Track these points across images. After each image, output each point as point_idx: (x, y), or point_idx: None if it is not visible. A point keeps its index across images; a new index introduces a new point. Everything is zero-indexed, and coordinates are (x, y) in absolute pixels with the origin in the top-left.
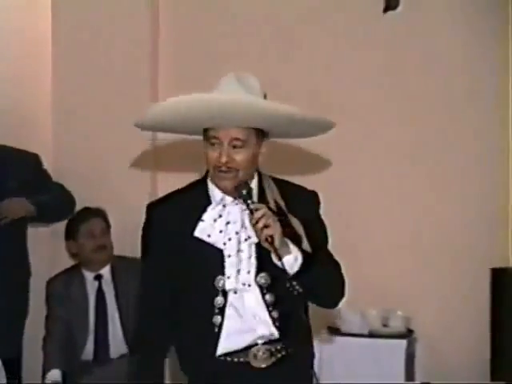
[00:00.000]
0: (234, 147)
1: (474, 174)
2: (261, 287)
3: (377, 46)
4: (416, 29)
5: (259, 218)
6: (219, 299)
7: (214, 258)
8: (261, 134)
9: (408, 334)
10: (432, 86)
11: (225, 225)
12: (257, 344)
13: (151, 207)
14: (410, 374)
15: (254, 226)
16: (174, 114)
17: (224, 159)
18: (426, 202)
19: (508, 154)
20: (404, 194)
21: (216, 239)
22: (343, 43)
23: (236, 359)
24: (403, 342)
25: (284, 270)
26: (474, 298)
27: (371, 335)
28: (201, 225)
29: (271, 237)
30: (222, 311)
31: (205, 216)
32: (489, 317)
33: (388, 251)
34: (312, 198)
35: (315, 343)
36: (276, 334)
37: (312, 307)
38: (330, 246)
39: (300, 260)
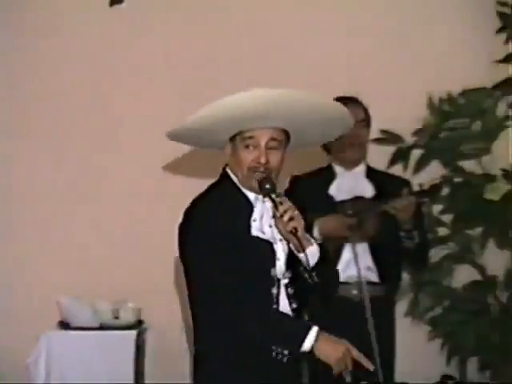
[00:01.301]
0: (269, 148)
1: None
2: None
3: None
4: None
5: (286, 211)
6: (275, 289)
7: (267, 251)
8: (287, 136)
9: (138, 325)
10: None
11: (271, 219)
12: None
13: (198, 213)
14: (138, 361)
15: (279, 218)
16: (215, 114)
17: (263, 160)
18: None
19: None
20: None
21: (269, 235)
22: None
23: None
24: (133, 333)
25: (305, 262)
26: None
27: (102, 328)
28: (254, 224)
29: (295, 228)
30: (277, 300)
31: (255, 215)
32: None
33: (117, 245)
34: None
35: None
36: None
37: None
38: None
39: (318, 252)
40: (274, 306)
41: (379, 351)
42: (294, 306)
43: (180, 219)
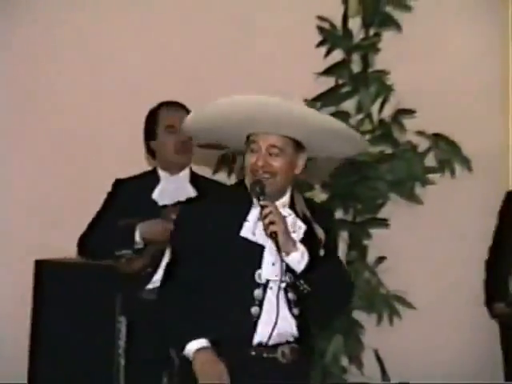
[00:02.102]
0: (270, 154)
1: None
2: (286, 286)
3: None
4: None
5: (267, 214)
6: (259, 292)
7: (254, 254)
8: (298, 146)
9: None
10: None
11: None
12: (285, 342)
13: (190, 205)
14: None
15: (262, 220)
16: (216, 115)
17: (260, 163)
18: None
19: None
20: None
21: (259, 237)
22: None
23: (265, 354)
24: None
25: (292, 269)
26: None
27: None
28: (246, 225)
29: (275, 233)
30: (261, 305)
31: (249, 217)
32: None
33: None
34: (328, 213)
35: None
36: (295, 331)
37: None
38: None
39: (306, 259)
40: (255, 308)
41: None
42: (296, 312)
43: None
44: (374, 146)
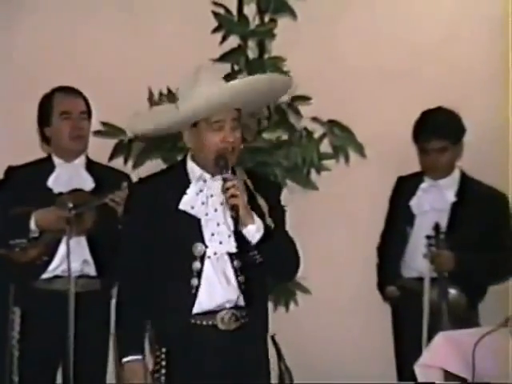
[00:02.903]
0: (234, 128)
1: None
2: (230, 255)
3: None
4: None
5: (228, 188)
6: (197, 264)
7: (193, 227)
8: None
9: None
10: None
11: (208, 197)
12: (225, 308)
13: (134, 185)
14: None
15: (223, 193)
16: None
17: (231, 138)
18: None
19: None
20: None
21: (198, 210)
22: None
23: (205, 322)
24: None
25: (247, 240)
26: None
27: None
28: (185, 198)
29: (236, 206)
30: (199, 275)
31: (188, 190)
32: None
33: None
34: (277, 188)
35: None
36: (242, 300)
37: None
38: None
39: (261, 231)
40: (194, 279)
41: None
42: (241, 279)
43: None
44: (271, 132)
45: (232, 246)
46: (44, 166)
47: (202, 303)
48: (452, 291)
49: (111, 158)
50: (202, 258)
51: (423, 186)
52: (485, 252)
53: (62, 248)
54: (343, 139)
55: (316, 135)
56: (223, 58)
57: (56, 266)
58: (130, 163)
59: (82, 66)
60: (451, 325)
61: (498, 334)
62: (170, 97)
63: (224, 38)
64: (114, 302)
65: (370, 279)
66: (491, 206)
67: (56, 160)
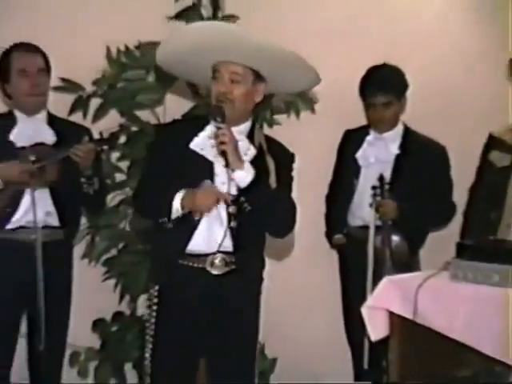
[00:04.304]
0: (232, 82)
1: None
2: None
3: None
4: None
5: (219, 135)
6: None
7: (202, 167)
8: (258, 77)
9: None
10: None
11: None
12: (215, 253)
13: (160, 126)
14: None
15: (214, 139)
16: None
17: (222, 89)
18: None
19: None
20: None
21: (207, 152)
22: None
23: (196, 264)
24: None
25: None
26: None
27: None
28: (195, 140)
29: (224, 151)
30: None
31: (200, 133)
32: None
33: None
34: (290, 157)
35: None
36: (231, 246)
37: None
38: None
39: (250, 177)
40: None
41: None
42: (233, 224)
43: None
44: None
45: (233, 189)
46: (6, 121)
47: (196, 243)
48: (395, 238)
49: (71, 112)
50: None
51: (369, 138)
52: (426, 200)
53: (26, 200)
54: (294, 95)
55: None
56: (178, 16)
57: (20, 217)
58: (90, 117)
59: (42, 23)
60: (394, 270)
61: (438, 278)
62: (129, 54)
63: None
64: (75, 250)
65: (318, 228)
66: (431, 157)
67: (18, 114)
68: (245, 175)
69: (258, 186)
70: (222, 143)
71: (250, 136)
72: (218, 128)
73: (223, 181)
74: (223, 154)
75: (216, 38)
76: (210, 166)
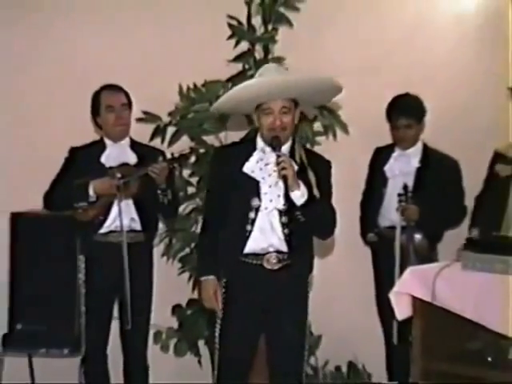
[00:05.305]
0: (282, 113)
1: None
2: (280, 212)
3: None
4: None
5: (280, 162)
6: (252, 214)
7: (252, 186)
8: (296, 103)
9: None
10: None
11: (264, 165)
12: (269, 252)
13: (217, 149)
14: None
15: (276, 166)
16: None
17: (278, 122)
18: None
19: None
20: None
21: (257, 174)
22: None
23: (254, 261)
24: None
25: (293, 202)
26: None
27: None
28: (247, 164)
29: (285, 176)
30: (252, 223)
31: (251, 158)
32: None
33: None
34: (327, 164)
35: None
36: (285, 246)
37: None
38: None
39: (305, 197)
40: (249, 226)
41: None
42: (287, 231)
43: None
44: None
45: (279, 204)
46: (98, 146)
47: (251, 245)
48: (417, 236)
49: (151, 138)
50: (257, 210)
51: (394, 154)
52: (442, 205)
53: (114, 209)
54: (331, 120)
55: (310, 117)
56: (236, 59)
57: (110, 223)
58: (166, 142)
59: (125, 66)
60: (417, 262)
61: (452, 267)
62: (197, 91)
63: (237, 43)
64: (155, 250)
65: (354, 230)
66: (446, 169)
67: (107, 141)
68: (300, 195)
69: (309, 201)
70: (284, 169)
71: (291, 151)
72: (278, 156)
73: (271, 198)
74: (284, 178)
75: (265, 93)
76: (257, 184)
